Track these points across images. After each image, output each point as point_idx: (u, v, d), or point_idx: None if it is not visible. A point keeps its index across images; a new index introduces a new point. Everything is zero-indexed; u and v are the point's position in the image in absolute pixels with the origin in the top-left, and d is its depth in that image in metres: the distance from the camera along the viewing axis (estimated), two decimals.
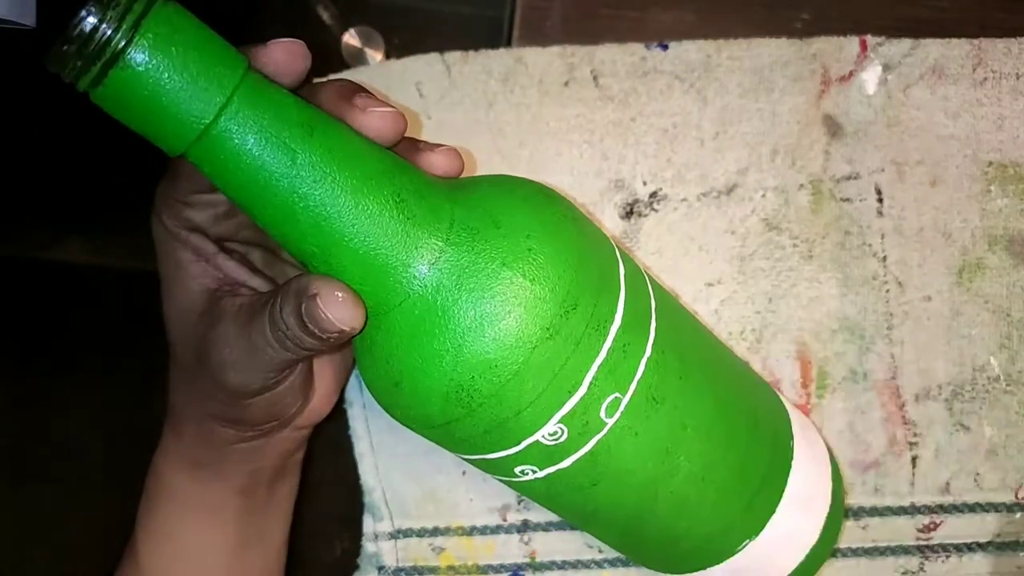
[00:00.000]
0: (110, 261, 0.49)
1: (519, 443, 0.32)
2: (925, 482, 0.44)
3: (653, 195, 0.46)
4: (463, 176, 0.33)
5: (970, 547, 0.44)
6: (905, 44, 0.45)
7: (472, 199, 0.31)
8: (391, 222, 0.29)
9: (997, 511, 0.44)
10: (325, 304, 0.29)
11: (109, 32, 0.25)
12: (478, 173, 0.45)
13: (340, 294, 0.30)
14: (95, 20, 0.25)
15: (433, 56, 0.46)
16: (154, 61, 0.26)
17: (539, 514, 0.45)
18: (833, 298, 0.45)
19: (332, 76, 0.35)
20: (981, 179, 0.45)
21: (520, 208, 0.31)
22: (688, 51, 0.46)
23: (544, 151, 0.46)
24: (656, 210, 0.45)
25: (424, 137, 0.46)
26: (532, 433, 0.31)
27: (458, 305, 0.30)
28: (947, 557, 0.44)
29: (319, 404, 0.40)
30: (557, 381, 0.30)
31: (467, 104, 0.46)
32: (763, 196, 0.45)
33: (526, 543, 0.45)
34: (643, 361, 0.32)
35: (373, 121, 0.31)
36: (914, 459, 0.44)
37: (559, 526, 0.45)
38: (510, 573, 0.45)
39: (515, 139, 0.46)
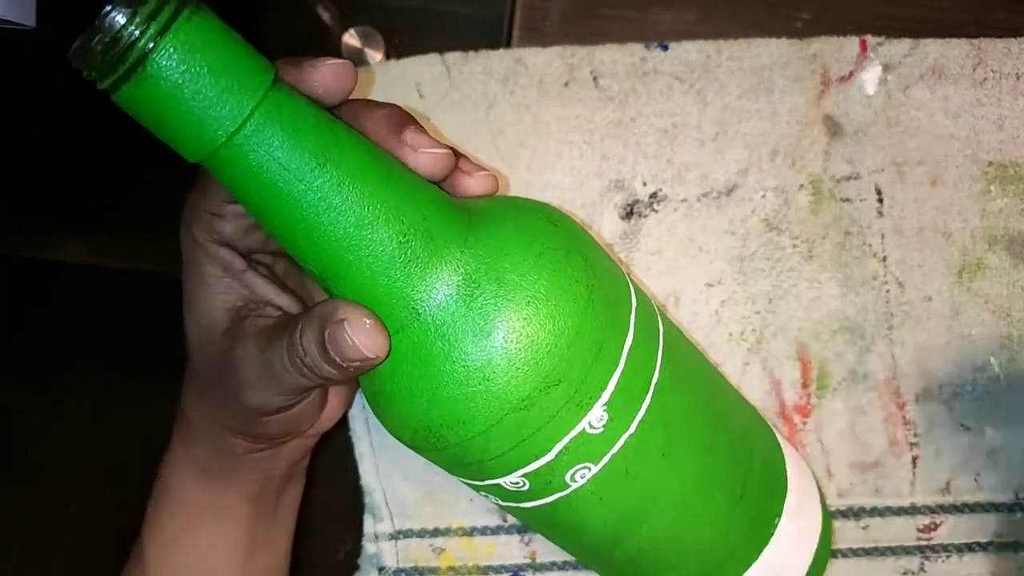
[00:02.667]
0: (110, 261, 0.49)
1: (482, 480, 0.33)
2: (925, 482, 0.44)
3: (653, 196, 0.46)
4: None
5: (970, 547, 0.44)
6: (905, 44, 0.45)
7: (486, 246, 0.30)
8: (393, 260, 0.29)
9: (997, 511, 0.44)
10: (352, 330, 0.29)
11: (136, 34, 0.25)
12: None
13: (368, 321, 0.29)
14: (122, 20, 0.25)
15: (433, 56, 0.46)
16: (180, 67, 0.25)
17: None
18: (833, 298, 0.45)
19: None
20: (981, 179, 0.45)
21: (531, 269, 0.30)
22: (688, 51, 0.46)
23: (544, 152, 0.46)
24: (656, 211, 0.45)
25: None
26: (495, 478, 0.32)
27: (443, 355, 0.29)
28: (947, 557, 0.44)
29: (330, 413, 0.40)
30: (524, 446, 0.30)
31: (467, 105, 0.46)
32: (763, 196, 0.45)
33: (527, 543, 0.45)
34: (623, 437, 0.31)
35: (423, 162, 0.30)
36: (914, 459, 0.44)
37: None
38: (511, 574, 0.45)
39: (515, 139, 0.46)
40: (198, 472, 0.38)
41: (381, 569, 0.45)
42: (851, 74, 0.45)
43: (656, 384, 0.32)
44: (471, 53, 0.46)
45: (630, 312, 0.32)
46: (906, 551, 0.44)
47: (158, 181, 0.47)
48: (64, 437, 0.47)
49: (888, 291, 0.45)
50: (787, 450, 0.39)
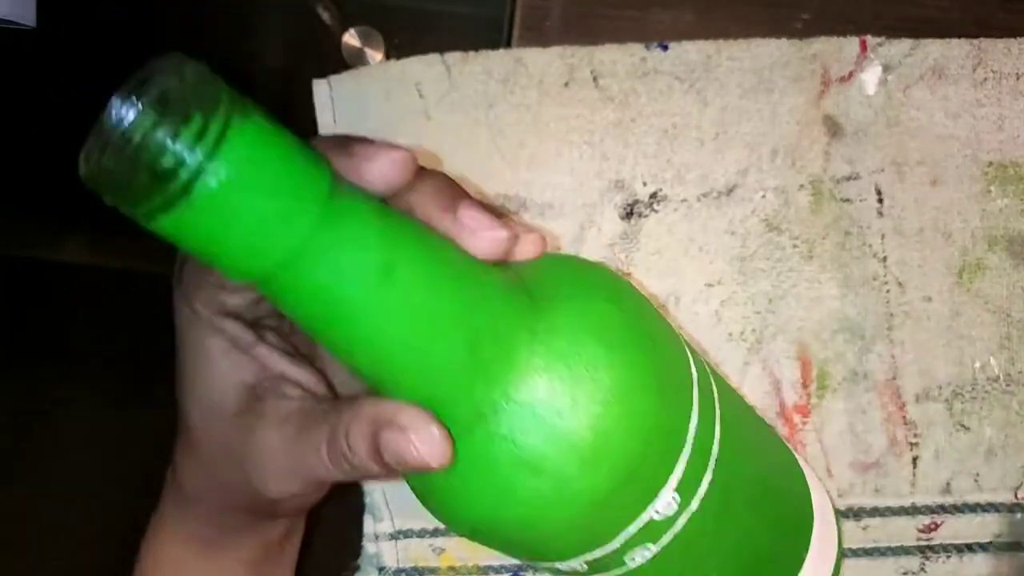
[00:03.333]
0: (110, 261, 0.49)
1: (534, 562, 0.32)
2: (926, 482, 0.44)
3: (653, 196, 0.46)
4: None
5: (971, 547, 0.44)
6: (905, 44, 0.45)
7: (556, 339, 0.27)
8: (461, 366, 0.27)
9: (997, 511, 0.44)
10: (419, 439, 0.26)
11: (184, 157, 0.20)
12: (477, 173, 0.45)
13: (436, 431, 0.27)
14: (161, 139, 0.20)
15: (433, 56, 0.46)
16: (233, 193, 0.21)
17: None
18: (833, 298, 0.45)
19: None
20: (981, 179, 0.45)
21: (604, 367, 0.27)
22: (688, 52, 0.46)
23: (544, 152, 0.46)
24: (656, 211, 0.45)
25: (423, 138, 0.45)
26: (552, 563, 0.31)
27: (512, 458, 0.27)
28: (948, 557, 0.44)
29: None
30: (590, 538, 0.29)
31: (467, 105, 0.46)
32: (763, 197, 0.45)
33: None
34: (686, 516, 0.30)
35: (483, 247, 0.27)
36: (914, 459, 0.44)
37: None
38: (511, 573, 0.45)
39: (515, 140, 0.46)
40: (194, 542, 0.36)
41: (381, 569, 0.45)
42: (851, 74, 0.45)
43: (716, 457, 0.31)
44: (471, 53, 0.46)
45: (693, 388, 0.30)
46: (906, 551, 0.44)
47: None
48: (64, 437, 0.47)
49: (888, 291, 0.45)
50: (810, 478, 0.39)
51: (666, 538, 0.30)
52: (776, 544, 0.35)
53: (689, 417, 0.30)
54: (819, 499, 0.39)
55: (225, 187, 0.21)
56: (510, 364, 0.27)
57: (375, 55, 0.47)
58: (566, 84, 0.46)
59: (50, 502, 0.47)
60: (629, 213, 0.45)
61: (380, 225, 0.25)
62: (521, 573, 0.45)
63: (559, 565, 0.31)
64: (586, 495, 0.28)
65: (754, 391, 0.45)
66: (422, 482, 0.30)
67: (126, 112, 0.20)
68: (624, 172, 0.46)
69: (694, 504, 0.30)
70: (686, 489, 0.30)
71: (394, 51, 0.47)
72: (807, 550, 0.36)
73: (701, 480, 0.30)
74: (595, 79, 0.46)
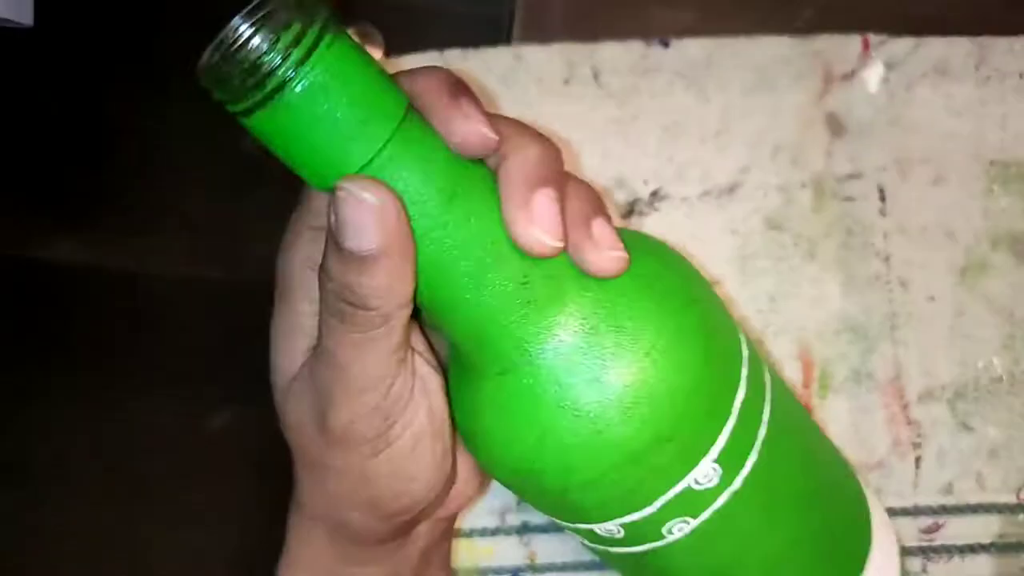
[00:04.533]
0: (110, 261, 0.49)
1: (574, 524, 0.32)
2: (928, 483, 0.44)
3: (654, 194, 0.45)
4: None
5: (972, 548, 0.44)
6: (908, 42, 0.45)
7: (604, 288, 0.28)
8: (511, 301, 0.28)
9: (1000, 512, 0.44)
10: (352, 182, 0.25)
11: (278, 61, 0.24)
12: None
13: (368, 194, 0.25)
14: (263, 44, 0.23)
15: (432, 54, 0.46)
16: (318, 97, 0.24)
17: (538, 516, 0.45)
18: (836, 298, 0.45)
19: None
20: (984, 178, 0.45)
21: (651, 318, 0.28)
22: (689, 49, 0.45)
23: None
24: (657, 209, 0.45)
25: None
26: (589, 523, 0.31)
27: (554, 400, 0.28)
28: (950, 558, 0.44)
29: (463, 490, 0.35)
30: (627, 497, 0.29)
31: None
32: (765, 195, 0.45)
33: (525, 544, 0.45)
34: (727, 493, 0.30)
35: (526, 240, 0.27)
36: (917, 460, 0.44)
37: (559, 528, 0.45)
38: (510, 574, 0.45)
39: None
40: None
41: None
42: (853, 72, 0.45)
43: (764, 439, 0.31)
44: (471, 50, 0.46)
45: (742, 364, 0.31)
46: (908, 552, 0.44)
47: (158, 181, 0.47)
48: (63, 438, 0.47)
49: (891, 291, 0.44)
50: (872, 501, 0.39)
51: (706, 514, 0.30)
52: (833, 541, 0.35)
53: (736, 389, 0.30)
54: (874, 501, 0.38)
55: (311, 93, 0.24)
56: (559, 305, 0.28)
57: (374, 52, 0.47)
58: (566, 81, 0.46)
59: (49, 502, 0.47)
60: (630, 211, 0.45)
61: (446, 155, 0.27)
62: (520, 574, 0.45)
63: (596, 528, 0.31)
64: (624, 445, 0.28)
65: None
66: (469, 425, 0.31)
67: (240, 22, 0.24)
68: (625, 170, 0.45)
69: (737, 482, 0.30)
70: (729, 463, 0.30)
71: (393, 49, 0.47)
72: (868, 551, 0.36)
73: (746, 458, 0.30)
74: (595, 76, 0.46)
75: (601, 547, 0.33)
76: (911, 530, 0.44)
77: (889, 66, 0.45)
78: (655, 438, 0.28)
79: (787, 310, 0.45)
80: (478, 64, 0.46)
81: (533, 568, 0.45)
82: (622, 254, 0.28)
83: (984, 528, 0.44)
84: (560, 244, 0.27)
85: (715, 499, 0.30)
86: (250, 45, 0.23)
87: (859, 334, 0.44)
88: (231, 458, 0.46)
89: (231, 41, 0.24)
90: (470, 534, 0.45)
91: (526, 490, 0.31)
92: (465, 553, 0.45)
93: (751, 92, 0.45)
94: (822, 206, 0.45)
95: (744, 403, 0.30)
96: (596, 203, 0.29)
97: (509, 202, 0.27)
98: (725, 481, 0.30)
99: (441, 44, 0.46)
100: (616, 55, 0.45)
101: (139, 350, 0.47)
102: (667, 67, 0.46)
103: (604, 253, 0.28)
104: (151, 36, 0.47)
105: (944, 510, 0.44)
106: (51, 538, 0.47)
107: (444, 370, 0.32)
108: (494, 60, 0.46)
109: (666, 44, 0.45)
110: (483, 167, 0.28)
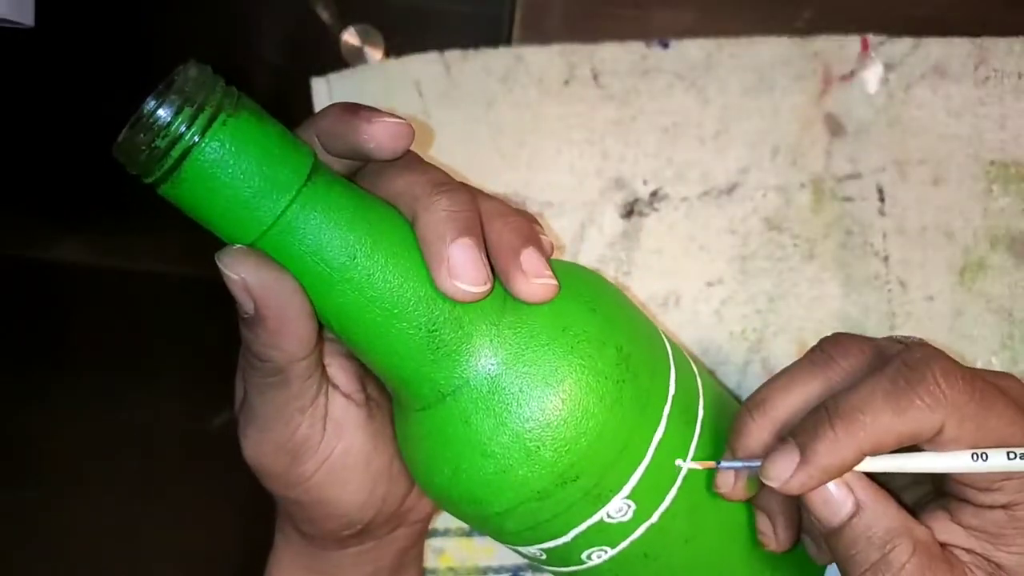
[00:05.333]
0: (110, 261, 0.49)
1: (501, 543, 0.33)
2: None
3: (654, 194, 0.45)
4: None
5: None
6: (907, 43, 0.45)
7: (517, 332, 0.29)
8: (421, 347, 0.29)
9: None
10: (221, 260, 0.28)
11: (181, 132, 0.25)
12: (477, 172, 0.45)
13: (232, 274, 0.28)
14: (167, 115, 0.25)
15: (432, 55, 0.46)
16: (218, 167, 0.26)
17: None
18: (835, 298, 0.45)
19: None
20: (983, 178, 0.45)
21: (558, 363, 0.29)
22: (689, 49, 0.45)
23: (544, 150, 0.45)
24: (657, 209, 0.45)
25: (423, 136, 0.45)
26: (512, 545, 0.33)
27: (463, 439, 0.29)
28: None
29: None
30: (539, 529, 0.30)
31: (467, 103, 0.46)
32: (764, 195, 0.45)
33: None
34: (644, 526, 0.31)
35: (453, 292, 0.28)
36: None
37: None
38: (509, 574, 0.45)
39: (515, 138, 0.45)
40: (305, 574, 0.37)
41: None
42: (852, 73, 0.45)
43: (685, 477, 0.31)
44: (471, 51, 0.46)
45: (665, 403, 0.31)
46: None
47: None
48: (64, 437, 0.47)
49: (890, 291, 0.45)
50: None
51: (623, 544, 0.31)
52: (760, 572, 0.35)
53: (653, 431, 0.30)
54: None
55: (212, 163, 0.26)
56: (467, 350, 0.29)
57: (374, 53, 0.47)
58: (566, 82, 0.46)
59: (49, 502, 0.47)
60: (630, 212, 0.45)
61: (351, 213, 0.28)
62: (521, 574, 0.45)
63: (520, 549, 0.33)
64: (529, 485, 0.29)
65: (754, 390, 0.45)
66: (404, 453, 0.32)
67: (149, 101, 0.26)
68: (625, 170, 0.46)
69: (655, 516, 0.31)
70: (645, 499, 0.30)
71: (393, 49, 0.47)
72: None
73: (664, 495, 0.31)
74: (595, 77, 0.46)
75: (534, 563, 0.34)
76: None
77: (888, 67, 0.45)
78: (560, 479, 0.29)
79: (786, 310, 0.45)
80: (478, 65, 0.46)
81: (533, 567, 0.45)
82: (550, 281, 0.29)
83: None
84: (484, 288, 0.28)
85: (631, 532, 0.31)
86: (154, 121, 0.25)
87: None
88: (231, 458, 0.46)
89: (140, 117, 0.26)
90: (470, 534, 0.45)
91: (454, 513, 0.33)
92: (465, 553, 0.45)
93: (750, 93, 0.45)
94: (821, 206, 0.45)
95: (662, 442, 0.30)
96: (526, 232, 0.30)
97: (429, 260, 0.28)
98: (641, 516, 0.31)
99: (441, 45, 0.46)
100: (616, 56, 0.46)
101: (139, 350, 0.47)
102: (667, 68, 0.46)
103: (533, 282, 0.29)
104: (151, 37, 0.47)
105: None
106: (51, 537, 0.47)
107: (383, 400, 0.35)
108: (494, 61, 0.46)
109: (666, 45, 0.46)
110: (396, 216, 0.29)
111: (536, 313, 0.30)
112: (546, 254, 0.30)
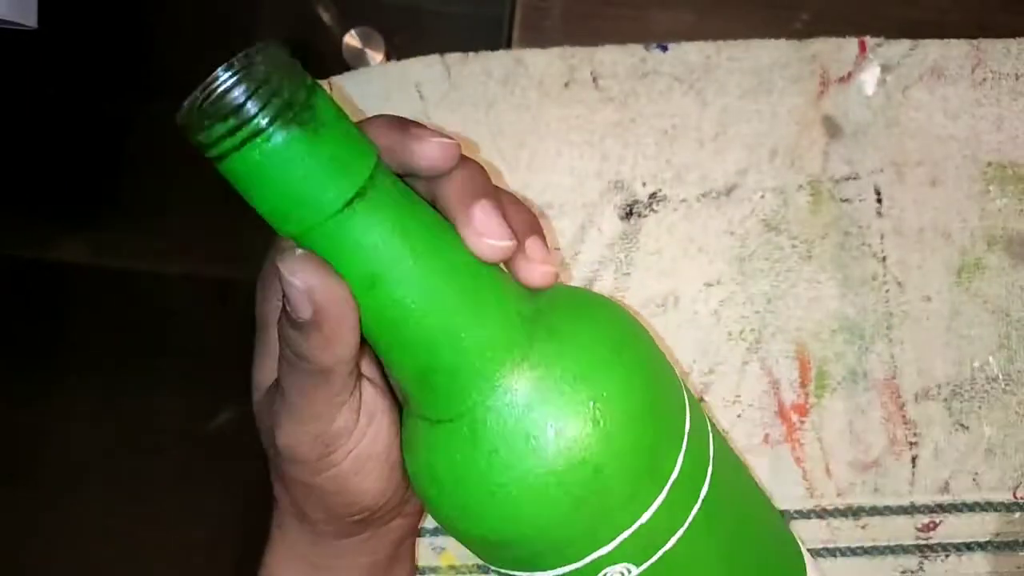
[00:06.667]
0: (110, 261, 0.49)
1: (504, 571, 0.33)
2: (924, 482, 0.44)
3: (653, 196, 0.46)
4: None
5: (969, 547, 0.44)
6: (904, 45, 0.45)
7: (552, 362, 0.29)
8: (444, 365, 0.29)
9: (996, 511, 0.44)
10: (283, 264, 0.27)
11: (254, 111, 0.25)
12: None
13: (296, 280, 0.27)
14: (241, 95, 0.24)
15: (433, 57, 0.46)
16: (292, 149, 0.25)
17: None
18: (833, 298, 0.45)
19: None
20: (980, 179, 0.45)
21: (574, 414, 0.29)
22: (688, 52, 0.46)
23: (544, 152, 0.46)
24: (656, 211, 0.46)
25: None
26: (519, 571, 0.32)
27: (473, 462, 0.29)
28: (946, 556, 0.44)
29: None
30: (556, 552, 0.30)
31: (467, 105, 0.46)
32: (762, 197, 0.45)
33: None
34: (659, 553, 0.31)
35: (483, 251, 0.29)
36: (914, 459, 0.44)
37: None
38: None
39: (515, 140, 0.46)
40: (301, 564, 0.37)
41: None
42: (850, 75, 0.46)
43: (697, 511, 0.31)
44: (471, 54, 0.46)
45: (679, 454, 0.31)
46: (905, 550, 0.44)
47: (159, 181, 0.47)
48: (64, 437, 0.47)
49: (887, 291, 0.45)
50: (805, 555, 0.39)
51: (643, 567, 0.31)
52: None
53: (647, 508, 0.30)
54: (807, 555, 0.39)
55: (278, 150, 0.25)
56: (487, 382, 0.29)
57: (375, 56, 0.47)
58: (566, 84, 0.46)
59: (50, 502, 0.47)
60: (629, 213, 0.46)
61: (406, 217, 0.28)
62: None
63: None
64: (496, 533, 0.30)
65: (753, 390, 0.45)
66: (411, 461, 0.32)
67: (222, 74, 0.25)
68: (624, 172, 0.46)
69: (669, 544, 0.31)
70: (644, 548, 0.30)
71: (394, 52, 0.47)
72: None
73: (676, 529, 0.31)
74: (595, 80, 0.46)
75: None
76: (908, 528, 0.44)
77: (886, 68, 0.45)
78: (577, 512, 0.29)
79: (784, 310, 0.45)
80: (478, 67, 0.46)
81: None
82: (551, 269, 0.30)
83: (980, 526, 0.44)
84: (510, 243, 0.29)
85: (650, 557, 0.31)
86: (230, 93, 0.24)
87: (856, 334, 0.45)
88: (231, 457, 0.46)
89: (212, 89, 0.25)
90: None
91: (451, 534, 0.33)
92: (466, 551, 0.45)
93: (749, 95, 0.46)
94: (819, 208, 0.45)
95: (676, 484, 0.30)
96: (531, 222, 0.31)
97: (457, 221, 0.29)
98: (656, 545, 0.31)
99: (442, 47, 0.46)
100: (615, 59, 0.46)
101: (140, 350, 0.47)
102: (666, 71, 0.46)
103: (535, 266, 0.30)
104: (153, 38, 0.48)
105: (940, 508, 0.44)
106: (52, 536, 0.47)
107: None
108: (494, 63, 0.46)
109: (665, 48, 0.46)
110: (436, 220, 0.29)
111: (559, 361, 0.29)
112: (548, 245, 0.31)
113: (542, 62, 0.46)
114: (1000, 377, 0.44)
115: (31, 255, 0.49)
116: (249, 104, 0.24)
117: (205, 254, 0.47)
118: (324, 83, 0.45)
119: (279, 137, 0.25)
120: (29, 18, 0.44)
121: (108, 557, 0.41)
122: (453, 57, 0.46)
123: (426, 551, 0.45)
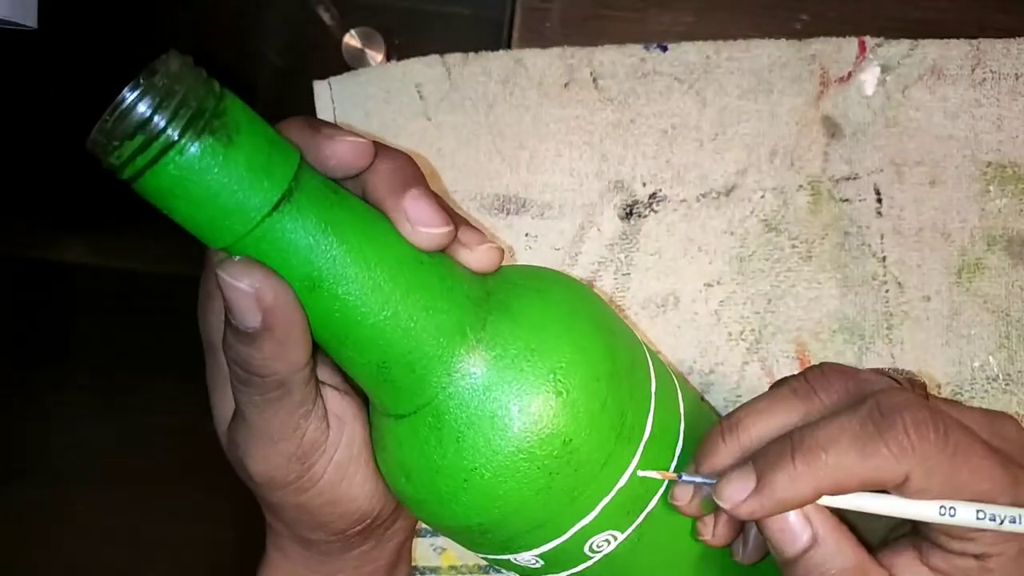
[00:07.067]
0: (110, 261, 0.49)
1: (492, 556, 0.33)
2: None
3: (652, 196, 0.46)
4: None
5: None
6: (904, 45, 0.45)
7: (507, 340, 0.29)
8: (398, 359, 0.28)
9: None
10: (225, 270, 0.27)
11: (162, 124, 0.24)
12: (477, 174, 0.45)
13: (242, 283, 0.27)
14: (147, 109, 0.24)
15: (433, 58, 0.46)
16: (207, 158, 0.24)
17: None
18: (832, 298, 0.45)
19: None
20: (980, 179, 0.45)
21: (537, 390, 0.29)
22: (687, 52, 0.46)
23: (544, 152, 0.46)
24: (655, 211, 0.46)
25: (424, 139, 0.46)
26: (506, 554, 0.32)
27: (442, 451, 0.29)
28: None
29: None
30: (539, 529, 0.30)
31: (467, 106, 0.46)
32: (762, 197, 0.45)
33: None
34: (640, 518, 0.31)
35: (419, 239, 0.28)
36: None
37: None
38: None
39: (515, 140, 0.46)
40: None
41: None
42: (850, 75, 0.46)
43: (674, 467, 0.32)
44: (471, 54, 0.46)
45: (648, 413, 0.31)
46: None
47: None
48: (64, 437, 0.47)
49: (887, 291, 0.45)
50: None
51: (630, 530, 0.32)
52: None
53: (622, 472, 0.30)
54: None
55: (193, 162, 0.24)
56: (444, 369, 0.29)
57: (376, 56, 0.47)
58: (566, 85, 0.46)
59: (50, 501, 0.47)
60: (628, 213, 0.46)
61: (336, 215, 0.27)
62: None
63: (510, 558, 0.33)
64: (461, 519, 0.30)
65: (753, 390, 0.45)
66: (383, 459, 0.32)
67: (129, 92, 0.24)
68: (623, 173, 0.46)
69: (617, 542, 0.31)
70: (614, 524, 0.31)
71: (394, 52, 0.47)
72: None
73: (629, 525, 0.31)
74: (595, 80, 0.46)
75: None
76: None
77: (885, 68, 0.45)
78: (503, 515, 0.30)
79: (784, 310, 0.45)
80: (478, 68, 0.46)
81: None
82: (493, 247, 0.30)
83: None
84: (447, 228, 0.29)
85: (632, 521, 0.31)
86: (134, 112, 0.24)
87: (855, 334, 0.45)
88: None
89: (119, 109, 0.24)
90: None
91: (420, 517, 0.33)
92: (466, 551, 0.45)
93: (748, 95, 0.46)
94: (819, 208, 0.45)
95: (649, 444, 0.31)
96: (457, 216, 0.31)
97: (390, 215, 0.28)
98: (627, 521, 0.31)
99: (442, 48, 0.46)
100: (615, 59, 0.46)
101: (141, 349, 0.47)
102: (665, 71, 0.46)
103: (476, 249, 0.30)
104: (153, 39, 0.48)
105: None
106: (52, 535, 0.47)
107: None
108: (494, 64, 0.46)
109: (664, 48, 0.46)
110: (367, 214, 0.28)
111: (511, 340, 0.29)
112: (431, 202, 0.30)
113: (542, 62, 0.46)
114: (1000, 377, 0.44)
115: (32, 255, 0.49)
116: (156, 117, 0.24)
117: (204, 255, 0.47)
118: (324, 84, 0.45)
119: (192, 148, 0.24)
120: (29, 18, 0.44)
121: (108, 556, 0.41)
122: (453, 57, 0.46)
123: (426, 551, 0.45)
